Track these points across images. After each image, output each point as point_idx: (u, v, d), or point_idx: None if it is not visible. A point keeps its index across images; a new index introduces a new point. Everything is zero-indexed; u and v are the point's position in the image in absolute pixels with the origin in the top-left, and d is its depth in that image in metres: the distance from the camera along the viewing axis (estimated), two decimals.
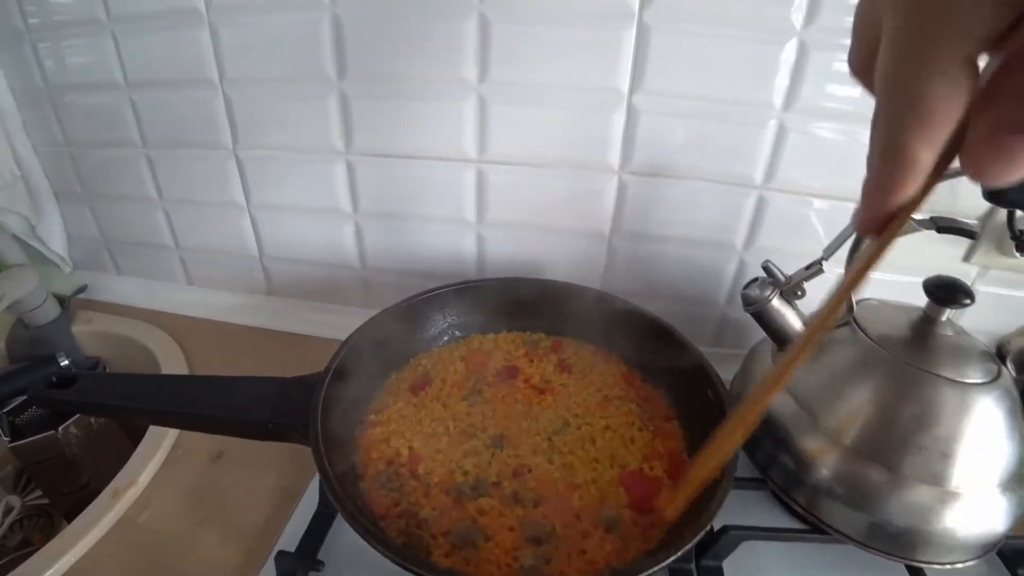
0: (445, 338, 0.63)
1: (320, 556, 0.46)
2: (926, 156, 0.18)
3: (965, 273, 0.62)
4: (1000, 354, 0.49)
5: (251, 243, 0.79)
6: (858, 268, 0.23)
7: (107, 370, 0.77)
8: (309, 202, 0.73)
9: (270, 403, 0.45)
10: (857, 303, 0.52)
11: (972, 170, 0.18)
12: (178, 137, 0.73)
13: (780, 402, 0.51)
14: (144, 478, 0.56)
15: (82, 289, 0.84)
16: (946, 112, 0.17)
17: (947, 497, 0.44)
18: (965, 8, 0.16)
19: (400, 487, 0.46)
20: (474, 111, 0.63)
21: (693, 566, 0.48)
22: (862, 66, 0.20)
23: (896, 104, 0.18)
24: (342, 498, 0.38)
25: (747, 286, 0.52)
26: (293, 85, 0.65)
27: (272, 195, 0.74)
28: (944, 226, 0.45)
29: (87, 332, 0.79)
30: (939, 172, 0.19)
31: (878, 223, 0.20)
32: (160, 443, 0.59)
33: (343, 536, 0.49)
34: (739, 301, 0.52)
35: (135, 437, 0.61)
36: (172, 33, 0.66)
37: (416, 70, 0.62)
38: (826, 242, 0.50)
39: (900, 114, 0.18)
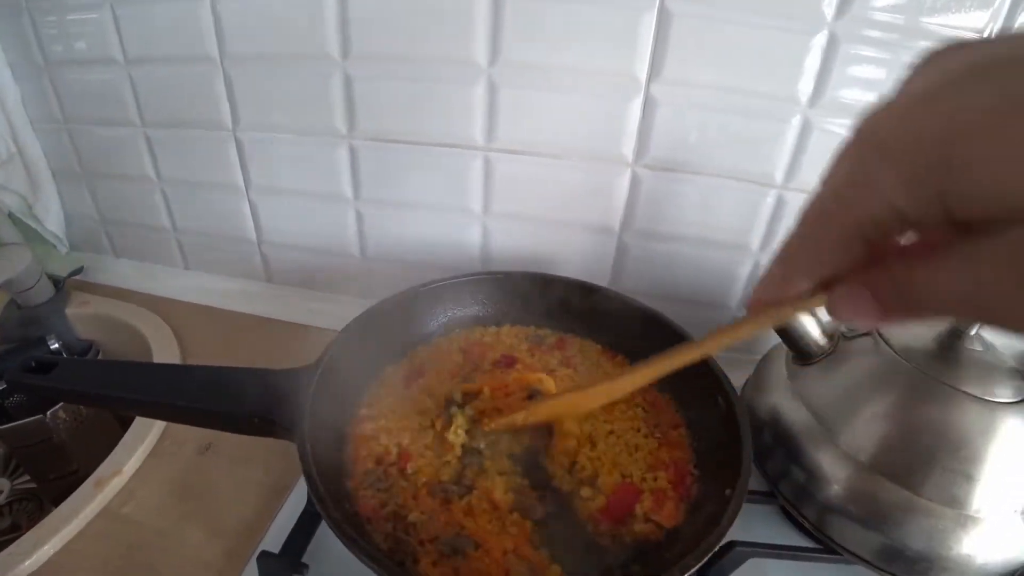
0: (445, 331, 0.61)
1: (305, 558, 0.44)
2: (801, 283, 0.22)
3: None
4: None
5: (249, 228, 0.77)
6: (722, 335, 0.32)
7: (100, 354, 0.76)
8: (310, 187, 0.71)
9: (257, 397, 0.43)
10: None
11: (829, 307, 0.22)
12: (177, 116, 0.71)
13: (794, 412, 0.49)
14: (129, 468, 0.54)
15: (78, 270, 0.83)
16: (827, 264, 0.21)
17: (967, 521, 0.42)
18: (868, 201, 0.18)
19: (389, 488, 0.44)
20: (483, 95, 0.60)
21: None
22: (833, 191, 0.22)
23: (800, 236, 0.21)
24: (327, 503, 0.36)
25: None
26: (295, 64, 0.63)
27: (272, 179, 0.72)
28: None
29: (82, 315, 0.77)
30: (804, 300, 0.23)
31: (754, 305, 0.25)
32: (147, 433, 0.57)
33: (331, 537, 0.47)
34: None
35: (126, 424, 0.59)
36: (172, 5, 0.64)
37: (424, 50, 0.59)
38: None
39: (797, 244, 0.22)
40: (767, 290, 0.24)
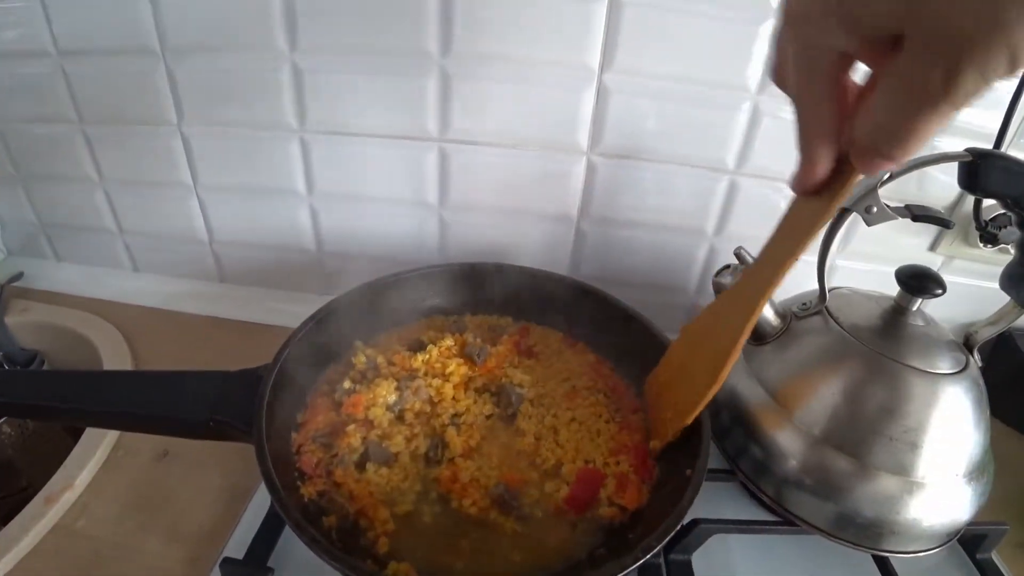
0: (406, 323, 0.60)
1: (271, 562, 0.44)
2: (822, 152, 0.27)
3: (931, 263, 0.62)
4: (967, 344, 0.48)
5: (200, 227, 0.74)
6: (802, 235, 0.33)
7: (45, 364, 0.72)
8: (261, 183, 0.69)
9: (211, 399, 0.41)
10: (830, 291, 0.51)
11: (858, 166, 0.25)
12: (117, 112, 0.68)
13: (750, 391, 0.50)
14: (81, 481, 0.52)
15: (17, 277, 0.79)
16: (820, 120, 0.26)
17: (914, 487, 0.44)
18: (818, 35, 0.24)
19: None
20: (437, 86, 0.59)
21: (662, 560, 0.47)
22: (780, 79, 0.28)
23: (797, 110, 0.27)
24: (287, 505, 0.35)
25: (719, 273, 0.50)
26: (241, 55, 0.61)
27: (221, 175, 0.70)
28: (919, 214, 0.44)
29: (22, 323, 0.73)
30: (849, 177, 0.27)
31: (805, 190, 0.29)
32: (99, 443, 0.55)
33: (296, 540, 0.46)
34: (709, 288, 0.51)
35: (78, 436, 0.56)
36: None
37: (374, 40, 0.58)
38: None
39: (799, 118, 0.27)
40: (807, 175, 0.28)
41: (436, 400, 0.50)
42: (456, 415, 0.50)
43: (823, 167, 0.27)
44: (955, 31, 0.19)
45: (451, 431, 0.48)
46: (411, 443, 0.47)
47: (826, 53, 0.24)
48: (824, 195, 0.29)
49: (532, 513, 0.44)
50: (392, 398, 0.49)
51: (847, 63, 0.25)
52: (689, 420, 0.43)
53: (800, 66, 0.25)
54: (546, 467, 0.47)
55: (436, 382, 0.51)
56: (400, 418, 0.49)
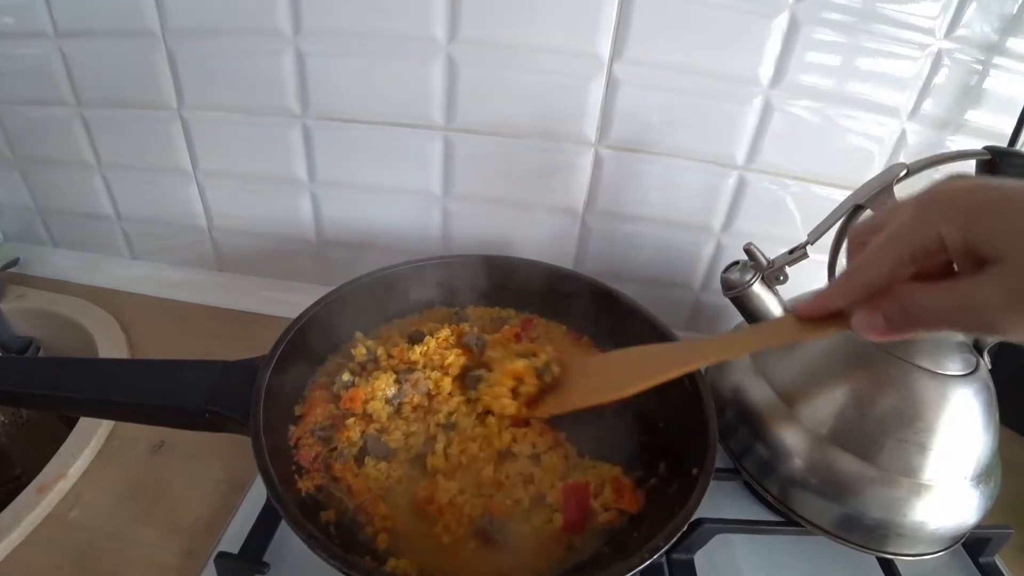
0: (408, 315, 0.59)
1: (267, 557, 0.43)
2: (849, 295, 0.30)
3: None
4: (977, 346, 0.48)
5: (199, 213, 0.73)
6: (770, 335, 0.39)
7: (40, 351, 0.71)
8: (262, 169, 0.68)
9: (208, 389, 0.41)
10: None
11: (854, 325, 0.30)
12: (116, 95, 0.67)
13: (756, 390, 0.50)
14: (75, 471, 0.51)
15: (13, 263, 0.78)
16: (875, 277, 0.29)
17: (921, 490, 0.43)
18: (924, 233, 0.27)
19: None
20: (442, 73, 0.58)
21: (664, 560, 0.46)
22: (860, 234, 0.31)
23: (865, 257, 0.29)
24: (284, 499, 0.34)
25: (727, 269, 0.49)
26: (243, 39, 0.60)
27: (221, 161, 0.69)
28: None
29: (18, 309, 0.72)
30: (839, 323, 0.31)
31: (807, 315, 0.33)
32: (94, 432, 0.54)
33: (292, 535, 0.45)
34: (714, 285, 0.50)
35: (73, 424, 0.56)
36: None
37: (379, 25, 0.57)
38: (802, 227, 0.49)
39: (862, 263, 0.30)
40: (822, 302, 0.31)
41: (434, 394, 0.49)
42: (451, 413, 0.48)
43: (837, 306, 0.31)
44: None
45: (441, 438, 0.46)
46: (408, 440, 0.46)
47: (925, 240, 0.27)
48: (808, 326, 0.33)
49: (520, 546, 0.41)
50: (391, 391, 0.48)
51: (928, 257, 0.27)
52: (568, 409, 0.46)
53: (898, 234, 0.28)
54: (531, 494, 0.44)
55: (435, 375, 0.50)
56: (399, 411, 0.48)
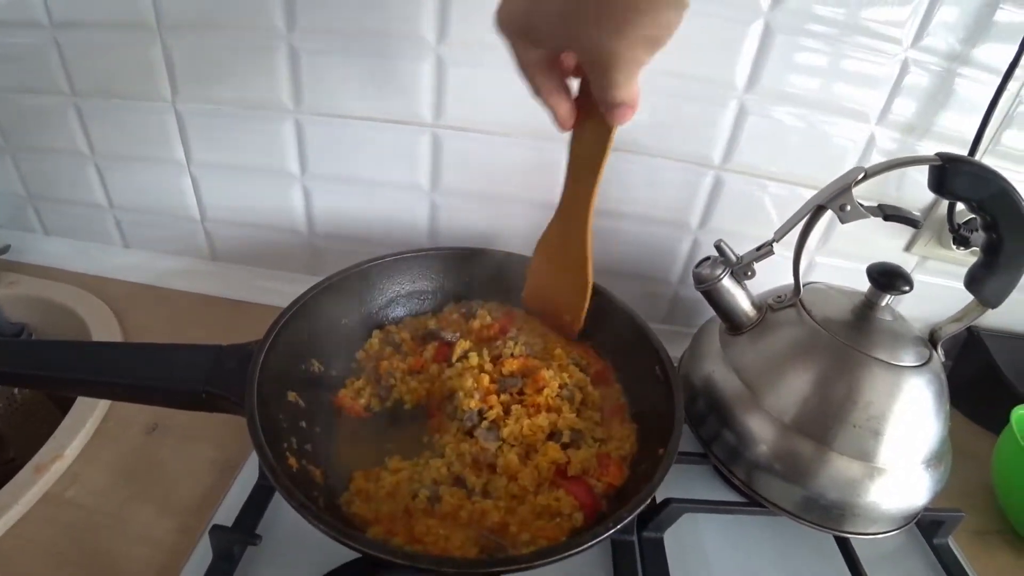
0: (393, 308, 0.61)
1: (259, 530, 0.45)
2: (555, 100, 0.41)
3: (905, 263, 0.64)
4: (932, 340, 0.51)
5: (192, 204, 0.74)
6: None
7: (33, 337, 0.72)
8: (254, 162, 0.69)
9: (204, 371, 0.42)
10: (805, 285, 0.53)
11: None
12: (111, 86, 0.67)
13: (725, 380, 0.52)
14: (71, 451, 0.53)
15: (4, 249, 0.78)
16: (544, 83, 0.41)
17: (875, 473, 0.46)
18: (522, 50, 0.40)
19: None
20: (432, 72, 0.60)
21: (635, 537, 0.49)
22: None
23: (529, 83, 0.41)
24: (278, 472, 0.36)
25: (699, 265, 0.52)
26: (238, 33, 0.61)
27: (215, 153, 0.70)
28: (890, 214, 0.46)
29: (9, 295, 0.73)
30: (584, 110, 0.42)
31: (568, 126, 0.43)
32: (90, 414, 0.56)
33: (284, 509, 0.48)
34: (691, 280, 0.53)
35: (66, 409, 0.57)
36: None
37: (371, 24, 0.58)
38: (775, 224, 0.51)
39: (531, 86, 0.41)
40: (560, 118, 0.42)
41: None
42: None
43: (565, 107, 0.41)
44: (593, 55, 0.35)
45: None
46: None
47: (533, 55, 0.38)
48: (590, 123, 0.42)
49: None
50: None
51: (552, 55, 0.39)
52: (582, 319, 0.56)
53: (523, 59, 0.39)
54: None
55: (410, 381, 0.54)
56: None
